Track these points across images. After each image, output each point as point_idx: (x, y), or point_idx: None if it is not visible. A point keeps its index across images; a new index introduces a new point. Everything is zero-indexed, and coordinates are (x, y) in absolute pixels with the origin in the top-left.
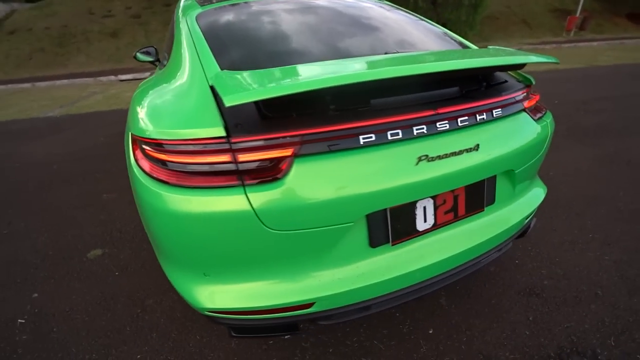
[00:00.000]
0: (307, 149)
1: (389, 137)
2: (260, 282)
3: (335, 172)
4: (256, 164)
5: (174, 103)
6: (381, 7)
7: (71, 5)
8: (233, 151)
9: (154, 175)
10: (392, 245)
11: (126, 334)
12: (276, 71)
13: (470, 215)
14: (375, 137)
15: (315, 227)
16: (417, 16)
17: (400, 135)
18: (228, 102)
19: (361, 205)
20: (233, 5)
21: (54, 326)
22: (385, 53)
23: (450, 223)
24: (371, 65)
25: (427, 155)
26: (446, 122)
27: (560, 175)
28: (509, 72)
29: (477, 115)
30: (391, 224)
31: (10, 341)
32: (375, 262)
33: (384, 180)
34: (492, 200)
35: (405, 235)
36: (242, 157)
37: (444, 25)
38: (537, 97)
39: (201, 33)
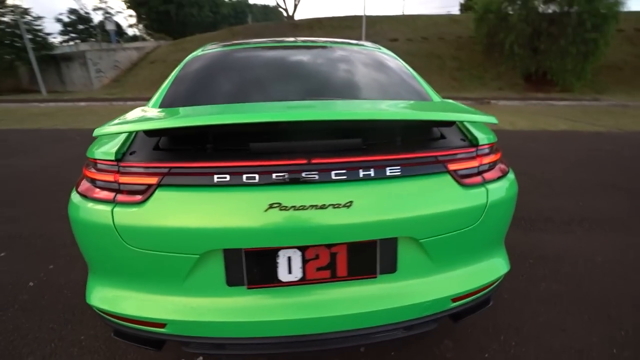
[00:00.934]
0: (169, 180)
1: (244, 180)
2: (124, 291)
3: (188, 205)
4: (129, 186)
5: None
6: (358, 51)
7: (198, 43)
8: (118, 173)
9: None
10: (248, 288)
11: None
12: (182, 110)
13: (357, 279)
14: (230, 178)
15: (165, 252)
16: (398, 64)
17: (257, 180)
18: (94, 134)
19: (205, 240)
20: (224, 49)
21: None
22: (304, 99)
23: (327, 282)
24: (257, 109)
25: (279, 204)
26: (316, 173)
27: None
28: (469, 127)
29: (362, 170)
30: (246, 266)
31: None
32: (231, 302)
33: (231, 220)
34: (391, 269)
35: (263, 281)
36: (121, 179)
37: (543, 75)
38: (481, 160)
39: (176, 73)
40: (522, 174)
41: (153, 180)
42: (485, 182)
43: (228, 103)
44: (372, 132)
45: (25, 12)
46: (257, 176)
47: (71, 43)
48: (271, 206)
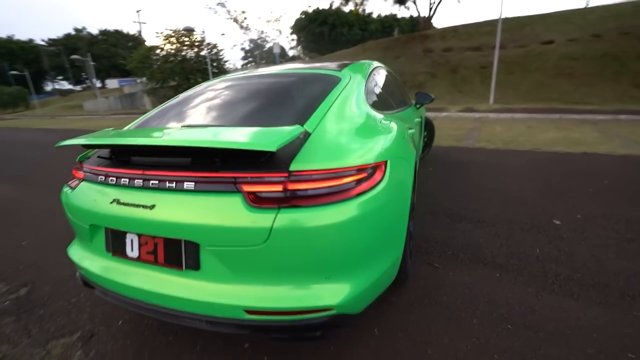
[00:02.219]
0: (86, 177)
1: (108, 181)
2: (78, 247)
3: (86, 193)
4: (76, 179)
5: None
6: (301, 78)
7: (330, 60)
8: (77, 170)
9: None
10: (112, 255)
11: None
12: (115, 131)
13: (168, 267)
14: (104, 179)
15: (78, 222)
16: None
17: (114, 182)
18: (55, 145)
19: (88, 217)
20: (210, 83)
21: None
22: (192, 125)
23: (152, 264)
24: (147, 134)
25: (118, 200)
26: (141, 180)
27: None
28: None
29: (167, 182)
30: (112, 240)
31: None
32: (106, 262)
33: (97, 206)
34: (195, 266)
35: (119, 253)
36: (76, 174)
37: None
38: (287, 185)
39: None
40: None
41: (81, 175)
42: (282, 208)
43: (155, 126)
44: (195, 153)
45: (214, 46)
46: (115, 179)
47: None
48: (114, 200)
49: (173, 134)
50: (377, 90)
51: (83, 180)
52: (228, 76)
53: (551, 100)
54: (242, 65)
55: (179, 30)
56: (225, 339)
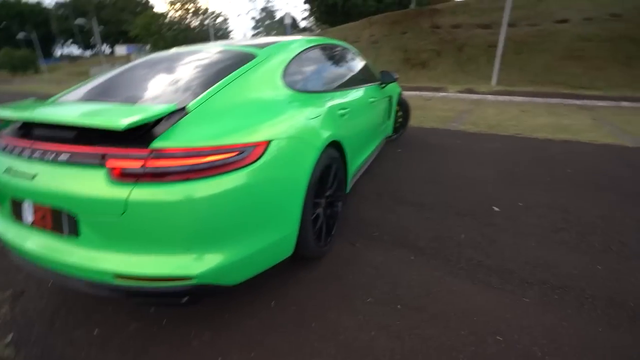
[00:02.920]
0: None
1: (8, 152)
2: None
3: None
4: None
5: None
6: (199, 56)
7: (336, 34)
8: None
9: None
10: (15, 220)
11: None
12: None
13: (54, 233)
14: (7, 148)
15: None
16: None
17: (11, 153)
18: None
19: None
20: (148, 55)
21: None
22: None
23: (42, 229)
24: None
25: (11, 169)
26: (29, 151)
27: None
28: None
29: (48, 154)
30: (13, 207)
31: None
32: (12, 228)
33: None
34: (74, 232)
35: (19, 219)
36: None
37: None
38: (147, 162)
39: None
40: None
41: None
42: (138, 183)
43: (69, 99)
44: (74, 128)
45: (218, 15)
46: (13, 150)
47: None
48: (9, 169)
49: (60, 109)
50: (309, 69)
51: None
52: (160, 52)
53: (557, 84)
54: (252, 36)
55: None
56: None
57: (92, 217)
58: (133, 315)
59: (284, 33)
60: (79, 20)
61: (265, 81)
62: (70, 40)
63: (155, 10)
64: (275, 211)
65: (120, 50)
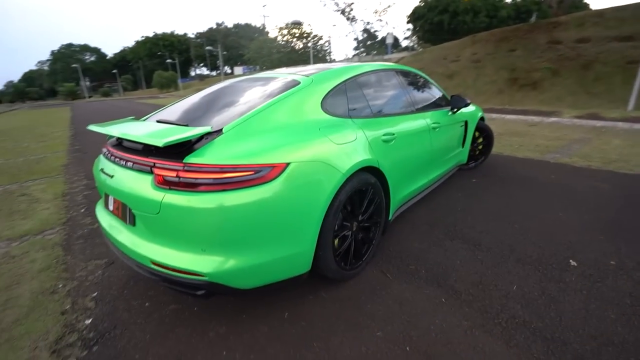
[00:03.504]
0: (102, 152)
1: (107, 155)
2: None
3: (99, 164)
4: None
5: None
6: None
7: (435, 53)
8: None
9: None
10: (105, 208)
11: None
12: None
13: (121, 220)
14: (105, 154)
15: (96, 184)
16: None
17: (106, 156)
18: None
19: (99, 184)
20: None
21: None
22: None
23: (116, 216)
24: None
25: (103, 169)
26: (113, 158)
27: None
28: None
29: (123, 161)
30: (105, 199)
31: None
32: (103, 213)
33: (98, 174)
34: (132, 222)
35: (107, 207)
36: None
37: None
38: (178, 173)
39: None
40: None
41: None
42: (171, 189)
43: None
44: (140, 143)
45: (320, 38)
46: (107, 155)
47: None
48: (102, 169)
49: (132, 128)
50: (355, 95)
51: (102, 154)
52: (231, 80)
53: None
54: (353, 56)
55: (289, 24)
56: None
57: (141, 212)
58: (175, 298)
59: (385, 52)
60: (208, 47)
61: (302, 107)
62: (202, 64)
63: (270, 35)
64: (289, 228)
65: (238, 70)
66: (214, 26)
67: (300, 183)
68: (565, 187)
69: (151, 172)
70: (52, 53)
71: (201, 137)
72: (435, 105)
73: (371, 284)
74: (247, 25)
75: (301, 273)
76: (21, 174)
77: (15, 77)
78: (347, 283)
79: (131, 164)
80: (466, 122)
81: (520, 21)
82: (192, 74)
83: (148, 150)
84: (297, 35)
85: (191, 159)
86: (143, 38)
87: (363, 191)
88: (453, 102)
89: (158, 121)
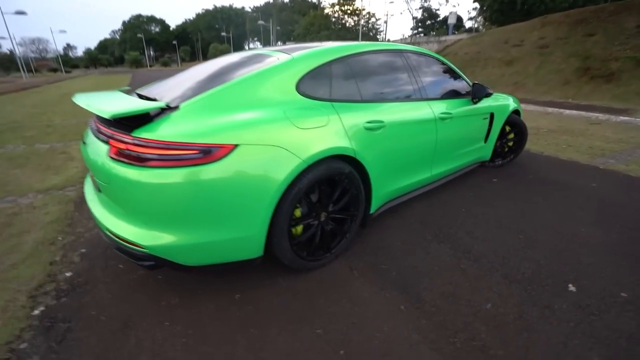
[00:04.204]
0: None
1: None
2: None
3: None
4: None
5: None
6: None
7: (496, 35)
8: None
9: None
10: (89, 177)
11: None
12: None
13: (95, 188)
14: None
15: None
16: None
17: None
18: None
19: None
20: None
21: None
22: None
23: (93, 184)
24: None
25: (84, 139)
26: (93, 128)
27: None
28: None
29: (96, 132)
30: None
31: None
32: (88, 181)
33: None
34: (99, 191)
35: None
36: None
37: None
38: (126, 146)
39: None
40: None
41: None
42: (120, 161)
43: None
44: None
45: (372, 16)
46: (91, 127)
47: (412, 37)
48: (82, 140)
49: (99, 99)
50: (345, 77)
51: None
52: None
53: None
54: (410, 36)
55: None
56: None
57: (99, 181)
58: None
59: (446, 33)
60: (260, 22)
61: (271, 87)
62: (256, 38)
63: (326, 11)
64: (235, 211)
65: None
66: (271, 0)
67: (248, 166)
68: (603, 198)
69: (107, 143)
70: (123, 23)
71: (160, 112)
72: (452, 93)
73: (333, 278)
74: (303, 0)
75: (252, 257)
76: (70, 134)
77: (93, 44)
78: (309, 273)
79: (99, 134)
80: (492, 115)
81: (613, 0)
82: (246, 47)
83: (111, 122)
84: (348, 11)
85: (139, 133)
86: (203, 11)
87: (335, 180)
88: (475, 91)
89: (139, 95)
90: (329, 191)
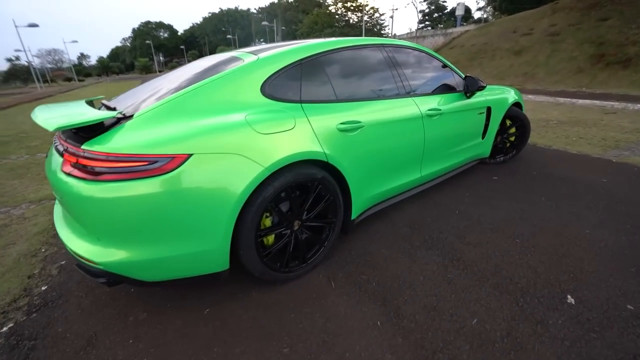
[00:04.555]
0: None
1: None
2: None
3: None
4: None
5: None
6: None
7: (504, 25)
8: None
9: None
10: None
11: None
12: None
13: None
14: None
15: None
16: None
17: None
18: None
19: None
20: None
21: None
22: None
23: None
24: None
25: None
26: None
27: None
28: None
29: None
30: None
31: None
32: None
33: None
34: (61, 204)
35: None
36: None
37: None
38: (76, 159)
39: None
40: None
41: None
42: (71, 175)
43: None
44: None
45: (376, 11)
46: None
47: (418, 31)
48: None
49: (50, 112)
50: (316, 76)
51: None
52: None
53: None
54: (416, 30)
55: None
56: None
57: (57, 194)
58: None
59: (454, 25)
60: (264, 23)
61: (232, 90)
62: (262, 39)
63: (328, 9)
64: (192, 224)
65: None
66: (275, 0)
67: (204, 176)
68: (614, 195)
69: (61, 155)
70: (133, 30)
71: (116, 122)
72: (442, 88)
73: (308, 291)
74: None
75: (217, 271)
76: None
77: (106, 53)
78: (284, 285)
79: (58, 147)
80: (489, 109)
81: None
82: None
83: (69, 134)
84: (351, 7)
85: (90, 145)
86: (210, 14)
87: (307, 187)
88: (466, 85)
89: (106, 105)
90: (302, 198)
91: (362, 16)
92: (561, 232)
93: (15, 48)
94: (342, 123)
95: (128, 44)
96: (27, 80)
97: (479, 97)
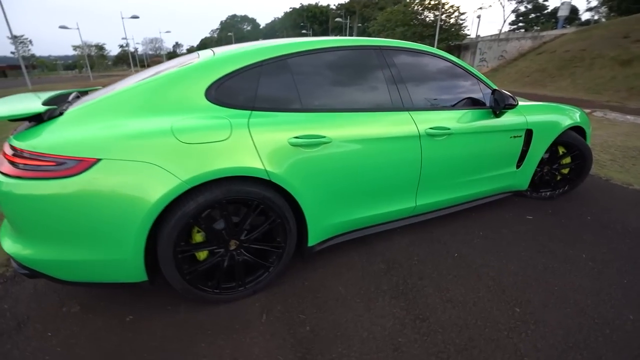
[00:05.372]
0: None
1: None
2: None
3: None
4: None
5: None
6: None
7: (612, 28)
8: None
9: None
10: None
11: None
12: None
13: None
14: None
15: None
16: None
17: None
18: None
19: None
20: None
21: None
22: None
23: None
24: None
25: None
26: None
27: None
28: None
29: None
30: None
31: None
32: None
33: None
34: None
35: None
36: None
37: None
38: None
39: None
40: None
41: None
42: None
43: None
44: None
45: (456, 10)
46: None
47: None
48: None
49: (16, 102)
50: (280, 80)
51: None
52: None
53: None
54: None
55: None
56: None
57: None
58: None
59: (555, 27)
60: (337, 19)
61: (169, 92)
62: (337, 36)
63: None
64: (97, 232)
65: None
66: None
67: (112, 183)
68: None
69: None
70: (220, 23)
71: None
72: (460, 103)
73: (234, 320)
74: None
75: (133, 281)
76: None
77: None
78: (215, 307)
79: None
80: (529, 132)
81: None
82: None
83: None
84: (429, 5)
85: (13, 141)
86: (291, 9)
87: (248, 205)
88: (496, 100)
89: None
90: (238, 217)
91: (439, 15)
92: (586, 311)
93: (122, 37)
94: (296, 137)
95: (215, 36)
96: (130, 65)
97: (514, 117)
